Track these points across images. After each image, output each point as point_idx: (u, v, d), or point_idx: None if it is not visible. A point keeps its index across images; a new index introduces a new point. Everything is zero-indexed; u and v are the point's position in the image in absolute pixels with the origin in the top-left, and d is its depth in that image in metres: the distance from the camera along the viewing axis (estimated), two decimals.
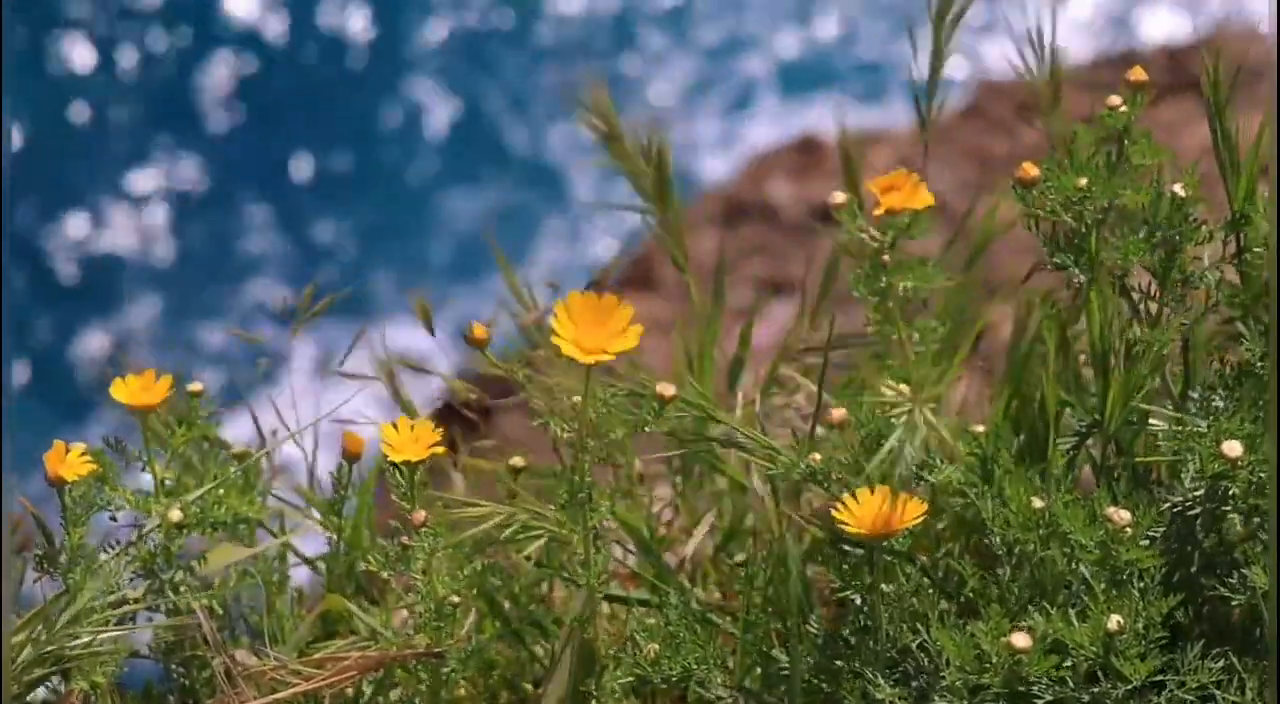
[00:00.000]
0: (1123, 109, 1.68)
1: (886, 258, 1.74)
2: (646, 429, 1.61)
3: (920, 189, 1.72)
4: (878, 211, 1.72)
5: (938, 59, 2.04)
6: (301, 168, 7.40)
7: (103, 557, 1.69)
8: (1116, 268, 1.68)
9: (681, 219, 2.14)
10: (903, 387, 1.65)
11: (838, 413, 1.65)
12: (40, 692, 1.68)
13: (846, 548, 1.63)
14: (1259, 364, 1.65)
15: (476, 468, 2.08)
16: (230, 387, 2.07)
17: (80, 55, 7.61)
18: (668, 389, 1.60)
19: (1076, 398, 1.76)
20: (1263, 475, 1.57)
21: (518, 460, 1.91)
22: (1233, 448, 1.57)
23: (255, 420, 2.01)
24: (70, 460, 1.67)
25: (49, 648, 1.63)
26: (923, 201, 1.72)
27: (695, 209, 5.58)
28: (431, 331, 2.07)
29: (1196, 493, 1.60)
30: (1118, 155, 1.68)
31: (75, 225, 7.16)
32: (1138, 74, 1.69)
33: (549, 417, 1.60)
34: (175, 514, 1.72)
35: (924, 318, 1.83)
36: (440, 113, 7.56)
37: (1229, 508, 1.60)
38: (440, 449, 1.61)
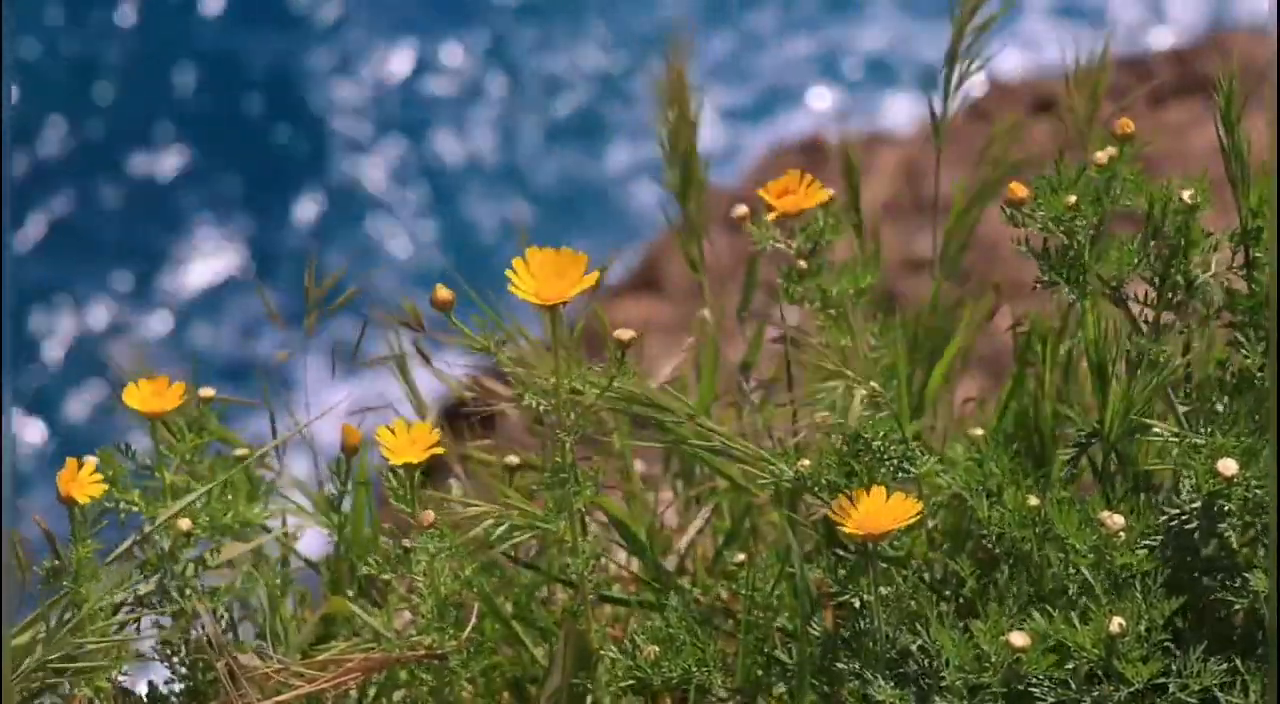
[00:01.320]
0: (1111, 159, 1.67)
1: (803, 263, 1.73)
2: (615, 383, 1.60)
3: (814, 188, 1.71)
4: (770, 217, 1.71)
5: (953, 63, 2.03)
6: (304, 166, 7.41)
7: (108, 559, 1.69)
8: (1111, 278, 1.67)
9: (703, 218, 2.14)
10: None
11: (823, 416, 1.65)
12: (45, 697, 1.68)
13: (842, 552, 1.63)
14: (1259, 373, 1.65)
15: (481, 465, 2.08)
16: (242, 391, 2.07)
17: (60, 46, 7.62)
18: (625, 333, 1.60)
19: (1077, 409, 1.75)
20: (1260, 492, 1.57)
21: (513, 459, 1.90)
22: (1228, 466, 1.55)
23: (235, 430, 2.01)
24: (81, 479, 1.67)
25: (54, 655, 1.63)
26: (817, 200, 1.71)
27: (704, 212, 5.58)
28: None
29: (1194, 506, 1.60)
30: (1107, 194, 1.68)
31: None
32: (1125, 127, 1.68)
33: (525, 389, 1.60)
34: (185, 523, 1.72)
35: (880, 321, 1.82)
36: (449, 126, 7.57)
37: (1224, 525, 1.60)
38: (440, 450, 1.62)
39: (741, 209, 1.75)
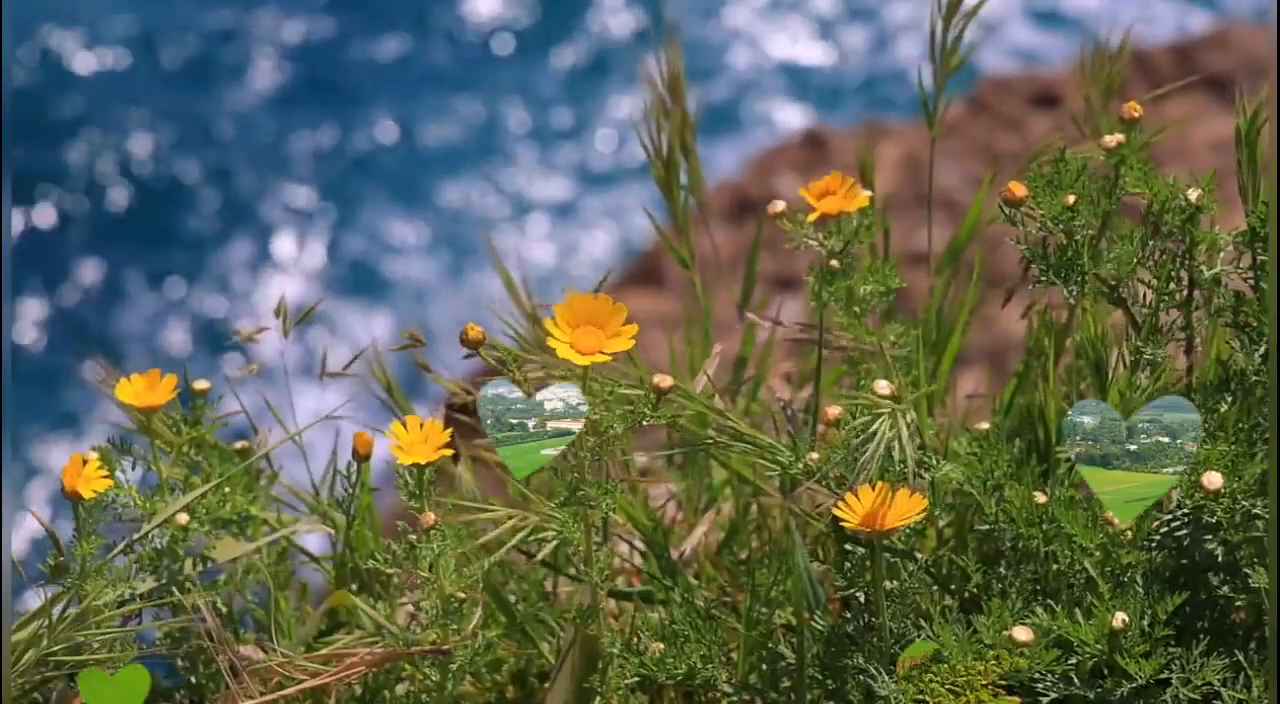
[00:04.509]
0: (1119, 144, 1.66)
1: (835, 263, 1.72)
2: (645, 422, 1.60)
3: (856, 191, 1.69)
4: (811, 218, 1.70)
5: (947, 58, 2.02)
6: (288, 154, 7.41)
7: (109, 556, 1.69)
8: (1111, 278, 1.66)
9: (689, 215, 2.13)
10: (887, 387, 1.63)
11: (832, 410, 1.64)
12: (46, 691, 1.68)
13: (848, 545, 1.63)
14: (1254, 377, 1.63)
15: (482, 464, 2.08)
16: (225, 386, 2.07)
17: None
18: (665, 381, 1.59)
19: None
20: (1246, 505, 1.55)
21: None
22: (1213, 480, 1.53)
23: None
24: (87, 474, 1.66)
25: (54, 648, 1.63)
26: (858, 204, 1.69)
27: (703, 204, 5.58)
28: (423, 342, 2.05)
29: (1184, 514, 1.59)
30: (1112, 187, 1.66)
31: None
32: (1133, 111, 1.66)
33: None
34: (183, 518, 1.72)
35: (899, 319, 1.81)
36: (436, 110, 7.57)
37: (1209, 538, 1.58)
38: (449, 451, 1.61)
39: (778, 205, 1.74)
